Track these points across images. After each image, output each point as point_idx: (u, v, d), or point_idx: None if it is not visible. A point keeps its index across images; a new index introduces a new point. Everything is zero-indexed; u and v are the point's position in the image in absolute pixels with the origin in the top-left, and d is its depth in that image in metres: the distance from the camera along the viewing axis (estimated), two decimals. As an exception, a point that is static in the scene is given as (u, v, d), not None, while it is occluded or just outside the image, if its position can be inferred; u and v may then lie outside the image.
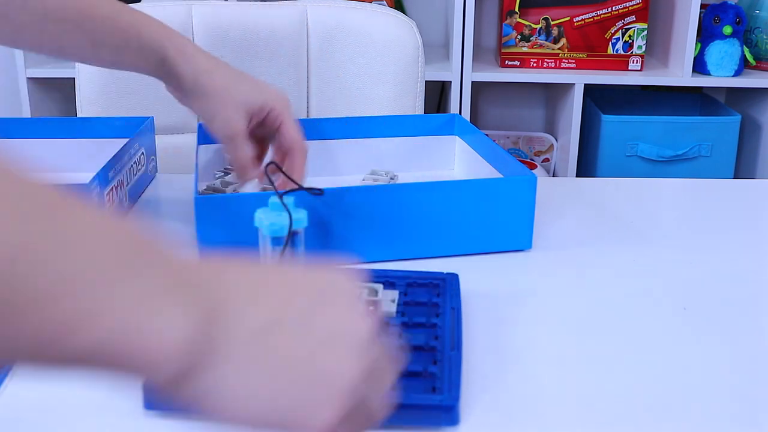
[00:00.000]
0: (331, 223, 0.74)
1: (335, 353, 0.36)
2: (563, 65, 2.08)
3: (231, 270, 0.37)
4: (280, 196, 0.64)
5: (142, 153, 0.95)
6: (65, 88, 2.07)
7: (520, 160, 1.35)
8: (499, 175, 0.86)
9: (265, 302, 0.36)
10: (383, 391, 0.39)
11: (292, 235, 0.63)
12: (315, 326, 0.36)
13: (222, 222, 0.72)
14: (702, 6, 1.98)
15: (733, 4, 2.04)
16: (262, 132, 0.82)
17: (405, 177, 0.99)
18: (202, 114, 0.80)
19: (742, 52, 2.03)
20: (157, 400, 0.52)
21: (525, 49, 2.07)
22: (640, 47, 2.05)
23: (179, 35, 0.78)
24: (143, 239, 0.33)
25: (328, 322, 0.37)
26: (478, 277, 0.73)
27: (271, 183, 0.73)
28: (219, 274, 0.36)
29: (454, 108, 2.02)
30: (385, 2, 2.04)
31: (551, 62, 2.08)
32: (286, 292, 0.37)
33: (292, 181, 0.80)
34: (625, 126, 2.04)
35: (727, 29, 1.99)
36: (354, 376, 0.36)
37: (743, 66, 2.05)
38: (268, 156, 0.83)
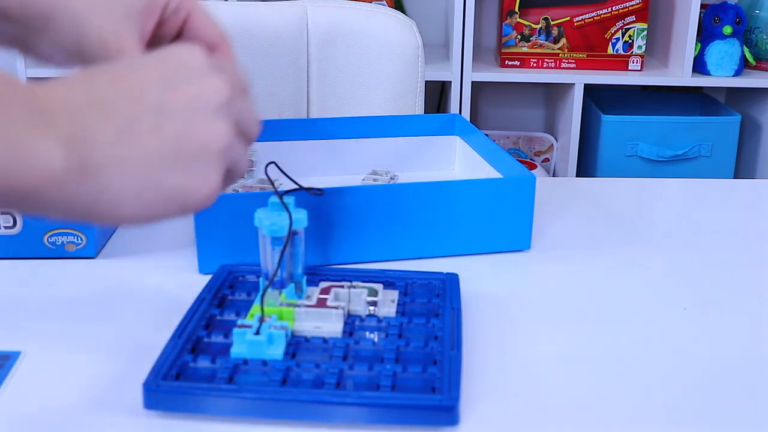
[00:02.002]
0: (331, 223, 0.74)
1: (199, 125, 0.39)
2: (563, 65, 2.08)
3: (78, 87, 0.38)
4: (280, 196, 0.64)
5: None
6: (65, 88, 2.07)
7: (520, 160, 1.35)
8: (499, 176, 0.86)
9: (116, 107, 0.38)
10: (250, 141, 0.43)
11: (292, 235, 0.63)
12: (171, 108, 0.39)
13: (221, 221, 0.72)
14: (702, 6, 1.99)
15: (733, 4, 2.04)
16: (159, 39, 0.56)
17: (405, 177, 0.99)
18: (61, 41, 0.51)
19: (742, 52, 2.04)
20: (157, 400, 0.52)
21: (525, 49, 2.07)
22: (640, 47, 2.05)
23: None
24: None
25: (182, 99, 0.39)
26: (478, 278, 0.73)
27: (272, 183, 0.72)
28: (69, 95, 0.37)
29: (454, 108, 2.02)
30: (385, 2, 2.04)
31: (551, 62, 2.08)
32: (134, 87, 0.39)
33: (293, 181, 0.80)
34: (625, 126, 2.04)
35: (727, 29, 1.99)
36: (222, 139, 0.40)
37: (743, 66, 2.05)
38: None
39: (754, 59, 2.09)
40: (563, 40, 2.06)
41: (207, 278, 0.69)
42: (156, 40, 0.56)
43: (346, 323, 0.61)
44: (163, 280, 0.73)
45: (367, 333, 0.60)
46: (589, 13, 2.04)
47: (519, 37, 2.06)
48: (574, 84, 2.03)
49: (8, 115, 0.35)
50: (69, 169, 0.36)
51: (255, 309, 0.61)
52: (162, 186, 0.39)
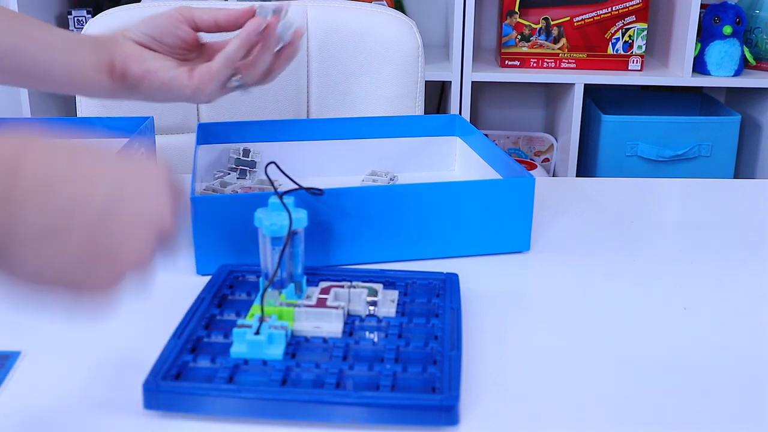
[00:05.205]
0: (331, 223, 0.74)
1: (129, 243, 0.41)
2: (563, 65, 2.08)
3: (34, 155, 0.39)
4: (280, 196, 0.64)
5: (142, 153, 0.95)
6: (65, 88, 2.07)
7: (519, 160, 1.35)
8: (499, 177, 0.86)
9: (64, 190, 0.39)
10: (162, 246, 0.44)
11: (292, 235, 0.63)
12: (114, 211, 0.40)
13: (219, 222, 0.72)
14: (702, 6, 1.99)
15: (733, 4, 2.04)
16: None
17: (405, 178, 0.99)
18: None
19: (742, 52, 2.04)
20: (157, 400, 0.52)
21: (525, 49, 2.07)
22: (640, 47, 2.05)
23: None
24: None
25: (127, 207, 0.41)
26: (478, 278, 0.73)
27: (272, 183, 0.73)
28: (20, 163, 0.38)
29: (454, 108, 2.02)
30: (385, 2, 2.04)
31: (551, 62, 2.08)
32: (90, 178, 0.40)
33: (293, 181, 0.80)
34: (625, 126, 2.04)
35: (727, 29, 1.99)
36: (141, 259, 0.41)
37: (743, 66, 2.05)
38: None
39: (754, 59, 2.09)
40: (563, 40, 2.06)
41: (206, 279, 0.70)
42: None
43: (346, 323, 0.61)
44: (163, 280, 0.73)
45: (367, 333, 0.60)
46: (589, 13, 2.04)
47: (519, 37, 2.06)
48: (574, 84, 2.03)
49: None
50: None
51: (255, 309, 0.61)
52: (66, 273, 0.40)
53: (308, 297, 0.63)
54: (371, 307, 0.63)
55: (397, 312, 0.63)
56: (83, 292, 0.41)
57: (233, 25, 0.78)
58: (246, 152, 0.96)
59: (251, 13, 0.76)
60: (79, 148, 0.41)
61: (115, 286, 0.42)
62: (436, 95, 2.31)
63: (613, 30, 2.05)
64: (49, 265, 0.39)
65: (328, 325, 0.60)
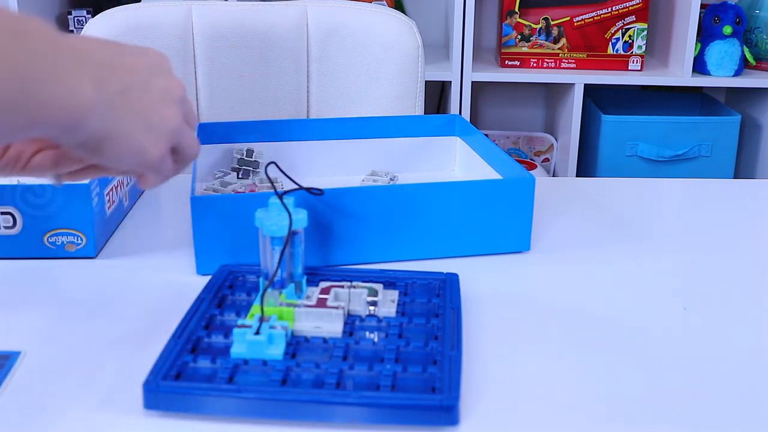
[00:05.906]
0: (331, 223, 0.74)
1: (163, 106, 0.52)
2: (563, 65, 2.08)
3: (99, 51, 0.49)
4: (280, 196, 0.64)
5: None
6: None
7: (519, 160, 1.36)
8: (499, 177, 0.86)
9: (120, 74, 0.50)
10: (192, 138, 0.56)
11: (292, 235, 0.63)
12: (151, 89, 0.52)
13: (219, 222, 0.72)
14: (702, 6, 1.99)
15: (733, 4, 2.04)
16: None
17: (405, 178, 0.99)
18: None
19: (742, 52, 2.04)
20: (157, 400, 0.52)
21: (525, 49, 2.07)
22: (640, 47, 2.05)
23: None
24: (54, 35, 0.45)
25: (157, 87, 0.52)
26: (478, 278, 0.73)
27: (272, 183, 0.72)
28: (94, 55, 0.48)
29: (454, 108, 2.02)
30: (385, 2, 2.04)
31: (551, 62, 2.08)
32: (131, 66, 0.51)
33: (293, 181, 0.80)
34: (625, 126, 2.04)
35: (727, 29, 1.99)
36: (176, 120, 0.53)
37: (743, 66, 2.06)
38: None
39: (754, 59, 2.09)
40: (563, 40, 2.06)
41: (206, 279, 0.69)
42: None
43: (346, 323, 0.61)
44: (163, 280, 0.73)
45: (367, 333, 0.60)
46: (589, 13, 2.04)
47: (519, 37, 2.06)
48: (574, 84, 2.03)
49: (61, 62, 0.45)
50: (93, 105, 0.47)
51: (255, 309, 0.61)
52: (132, 137, 0.50)
53: (308, 297, 0.63)
54: (371, 307, 0.63)
55: (397, 312, 0.63)
56: (145, 156, 0.51)
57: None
58: (249, 152, 0.96)
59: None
60: (109, 43, 0.52)
61: (164, 151, 0.53)
62: (436, 95, 2.31)
63: (613, 30, 2.05)
64: (130, 133, 0.50)
65: (328, 325, 0.60)
